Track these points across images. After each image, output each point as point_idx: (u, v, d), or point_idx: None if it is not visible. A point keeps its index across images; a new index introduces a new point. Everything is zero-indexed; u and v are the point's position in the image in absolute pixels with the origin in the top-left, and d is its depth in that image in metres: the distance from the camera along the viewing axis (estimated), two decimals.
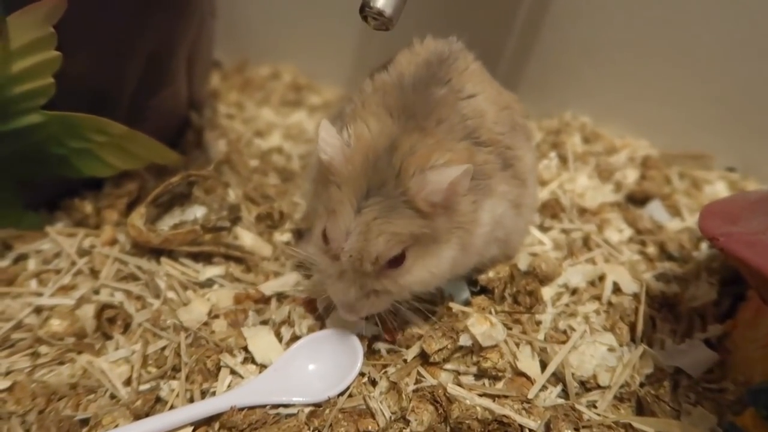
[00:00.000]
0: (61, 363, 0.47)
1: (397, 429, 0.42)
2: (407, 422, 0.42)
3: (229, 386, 0.46)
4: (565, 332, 0.50)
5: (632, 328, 0.51)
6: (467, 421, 0.42)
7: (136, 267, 0.56)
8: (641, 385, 0.46)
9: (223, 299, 0.53)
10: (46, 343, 0.48)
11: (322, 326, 0.50)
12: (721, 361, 0.48)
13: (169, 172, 0.67)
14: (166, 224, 0.58)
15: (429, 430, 0.42)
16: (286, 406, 0.44)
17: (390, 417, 0.43)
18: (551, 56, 0.81)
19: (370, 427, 0.42)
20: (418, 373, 0.47)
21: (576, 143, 0.79)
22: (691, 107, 0.75)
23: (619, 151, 0.78)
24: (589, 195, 0.70)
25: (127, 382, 0.46)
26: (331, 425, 0.42)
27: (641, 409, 0.45)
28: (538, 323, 0.51)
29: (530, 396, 0.45)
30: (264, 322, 0.51)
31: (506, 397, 0.45)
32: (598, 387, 0.46)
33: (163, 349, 0.49)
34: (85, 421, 0.42)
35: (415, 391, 0.45)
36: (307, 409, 0.44)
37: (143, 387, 0.46)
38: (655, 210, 0.67)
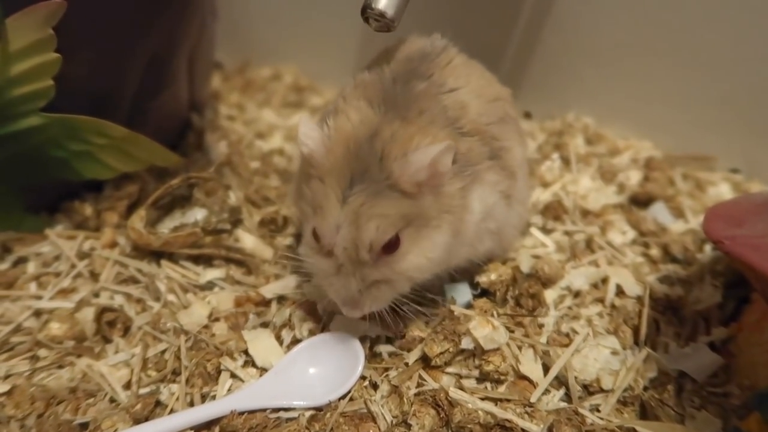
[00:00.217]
0: (61, 366, 0.47)
1: None
2: (409, 426, 0.42)
3: (229, 390, 0.46)
4: (567, 335, 0.50)
5: (636, 331, 0.51)
6: (469, 425, 0.41)
7: (137, 270, 0.55)
8: (645, 388, 0.46)
9: (224, 302, 0.53)
10: (46, 346, 0.48)
11: (323, 329, 0.50)
12: (725, 365, 0.47)
13: (170, 174, 0.67)
14: (166, 227, 0.58)
15: None
16: (286, 409, 0.44)
17: (391, 421, 0.43)
18: (554, 57, 0.80)
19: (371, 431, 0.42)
20: (420, 376, 0.47)
21: (579, 145, 0.79)
22: (695, 108, 0.74)
23: (622, 152, 0.78)
24: (592, 197, 0.69)
25: (127, 386, 0.46)
26: (332, 429, 0.42)
27: (645, 413, 0.44)
28: (541, 326, 0.51)
29: (533, 400, 0.44)
30: (264, 325, 0.51)
31: (508, 400, 0.44)
32: (602, 391, 0.46)
33: (163, 352, 0.49)
34: (84, 425, 0.42)
35: (416, 394, 0.45)
36: (307, 413, 0.43)
37: (143, 391, 0.46)
38: (659, 212, 0.67)
